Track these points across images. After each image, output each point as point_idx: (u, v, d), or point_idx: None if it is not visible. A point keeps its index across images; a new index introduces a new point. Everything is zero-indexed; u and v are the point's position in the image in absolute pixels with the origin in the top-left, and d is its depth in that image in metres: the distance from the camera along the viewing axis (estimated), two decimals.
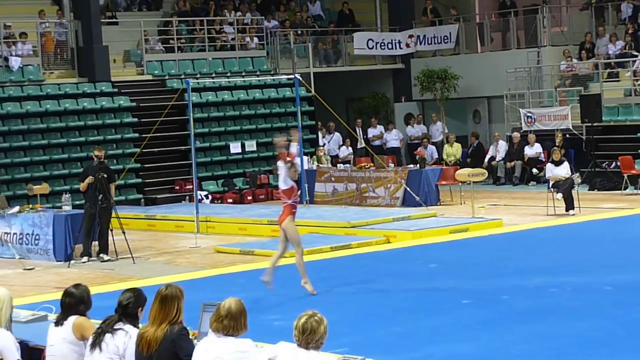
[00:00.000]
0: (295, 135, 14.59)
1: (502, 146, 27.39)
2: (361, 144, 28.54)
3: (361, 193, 23.48)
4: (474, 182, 21.42)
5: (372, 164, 24.30)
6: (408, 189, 22.35)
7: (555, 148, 21.92)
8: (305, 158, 24.42)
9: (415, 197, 21.90)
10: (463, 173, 21.70)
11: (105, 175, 17.26)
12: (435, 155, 28.29)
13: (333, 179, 24.03)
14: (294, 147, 13.21)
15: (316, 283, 14.02)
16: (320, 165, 25.31)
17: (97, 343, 7.07)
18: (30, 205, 19.08)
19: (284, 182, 13.06)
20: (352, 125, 29.06)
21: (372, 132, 29.88)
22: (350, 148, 28.74)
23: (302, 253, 13.16)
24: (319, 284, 13.92)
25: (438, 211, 20.88)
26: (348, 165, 25.62)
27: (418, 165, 23.48)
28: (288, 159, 13.00)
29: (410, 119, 30.69)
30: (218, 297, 7.06)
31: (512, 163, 26.76)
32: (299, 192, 13.09)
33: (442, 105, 29.94)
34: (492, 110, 30.51)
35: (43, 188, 20.90)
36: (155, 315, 6.84)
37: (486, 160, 27.44)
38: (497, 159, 27.31)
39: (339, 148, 29.01)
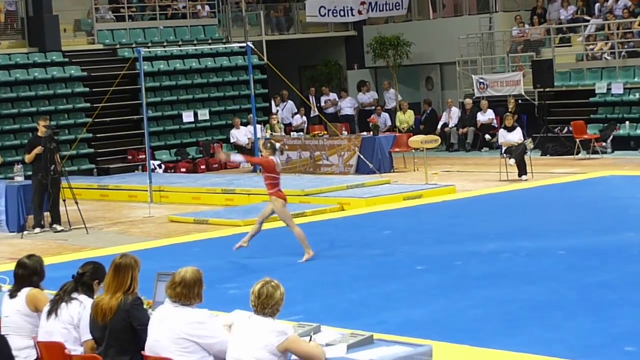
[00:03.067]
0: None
1: (455, 113, 27.51)
2: (314, 112, 28.51)
3: (315, 161, 23.48)
4: (427, 148, 21.50)
5: (325, 132, 24.29)
6: (362, 156, 22.39)
7: (507, 114, 22.04)
8: (258, 126, 24.34)
9: (369, 164, 21.94)
10: (416, 140, 21.76)
11: (55, 145, 17.10)
12: (389, 123, 28.35)
13: (287, 147, 23.96)
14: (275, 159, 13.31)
15: (272, 251, 14.04)
16: (274, 133, 25.24)
17: (53, 310, 7.06)
18: None
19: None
20: (305, 93, 29.01)
21: (324, 99, 29.85)
22: (304, 117, 28.69)
23: (301, 235, 13.28)
24: (275, 252, 13.94)
25: (391, 178, 20.94)
26: (301, 133, 25.58)
27: (371, 133, 23.51)
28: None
29: (362, 86, 30.70)
30: (173, 266, 7.05)
31: (465, 129, 26.89)
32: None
33: (394, 72, 29.97)
34: (445, 76, 30.60)
35: None
36: (109, 284, 6.82)
37: (439, 126, 27.55)
38: (449, 126, 27.42)
39: (292, 116, 28.96)
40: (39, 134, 17.32)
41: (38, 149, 17.06)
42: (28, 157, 17.37)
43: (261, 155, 13.52)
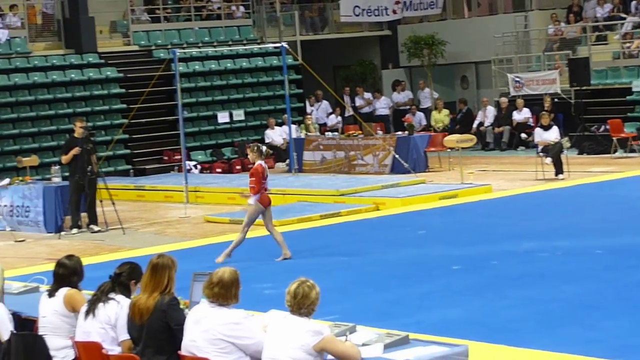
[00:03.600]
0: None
1: (491, 111, 27.39)
2: (349, 111, 28.51)
3: (350, 161, 23.47)
4: (462, 148, 21.42)
5: (360, 132, 24.27)
6: (397, 156, 22.35)
7: (543, 112, 21.91)
8: (293, 127, 24.38)
9: (404, 164, 21.90)
10: (451, 139, 21.69)
11: (92, 146, 17.22)
12: (424, 122, 28.28)
13: (321, 147, 23.99)
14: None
15: (307, 251, 14.05)
16: (309, 133, 25.26)
17: (90, 310, 7.10)
18: (20, 178, 19.02)
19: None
20: (339, 93, 29.01)
21: (359, 100, 29.82)
22: (339, 116, 28.69)
23: (242, 240, 13.47)
24: (309, 252, 13.95)
25: (427, 178, 20.88)
26: (336, 133, 25.57)
27: (406, 132, 23.46)
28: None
29: (397, 86, 30.64)
30: (209, 266, 7.06)
31: (501, 128, 26.76)
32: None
33: (429, 71, 29.89)
34: (480, 75, 30.47)
35: (32, 160, 20.86)
36: (146, 284, 6.86)
37: (474, 126, 27.44)
38: (485, 125, 27.30)
39: (327, 116, 28.96)
40: (76, 135, 17.42)
41: (75, 150, 17.17)
42: (65, 158, 17.48)
43: (249, 156, 13.59)
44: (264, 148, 13.96)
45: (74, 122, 18.35)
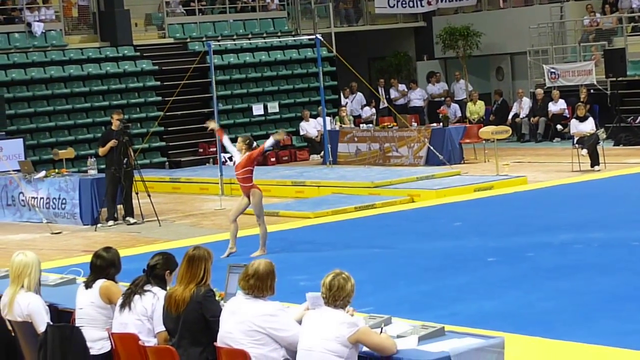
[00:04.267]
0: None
1: (526, 103, 27.23)
2: (384, 103, 28.44)
3: (384, 153, 23.43)
4: (497, 139, 21.32)
5: (395, 124, 24.22)
6: (431, 147, 22.29)
7: (579, 104, 21.76)
8: (327, 119, 24.38)
9: (439, 155, 21.84)
10: (487, 131, 21.60)
11: (128, 139, 17.30)
12: (459, 114, 28.16)
13: (356, 139, 23.98)
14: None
15: (341, 242, 14.06)
16: (343, 125, 25.25)
17: (126, 303, 7.14)
18: (56, 170, 19.17)
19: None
20: (374, 85, 28.95)
21: (394, 92, 29.75)
22: (373, 108, 28.63)
23: (236, 228, 13.50)
24: (344, 244, 13.95)
25: (462, 169, 20.82)
26: (371, 125, 25.54)
27: (441, 124, 23.39)
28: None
29: (432, 78, 30.53)
30: (244, 258, 7.07)
31: (536, 119, 26.61)
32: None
33: (464, 62, 29.76)
34: (515, 66, 30.29)
35: (68, 152, 21.00)
36: (182, 275, 6.89)
37: (510, 117, 27.30)
38: (520, 116, 27.16)
39: (361, 108, 28.92)
40: (113, 127, 17.52)
41: (112, 143, 17.28)
42: (102, 150, 17.60)
43: (239, 145, 13.64)
44: (255, 143, 13.96)
45: (111, 114, 18.47)
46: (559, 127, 26.05)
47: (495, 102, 28.45)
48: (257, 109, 27.12)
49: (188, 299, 6.76)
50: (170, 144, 25.96)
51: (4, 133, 22.57)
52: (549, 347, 8.44)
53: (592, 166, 20.17)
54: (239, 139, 13.69)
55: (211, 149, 25.32)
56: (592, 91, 25.80)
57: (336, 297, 6.18)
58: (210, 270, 6.90)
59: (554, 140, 26.10)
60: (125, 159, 17.10)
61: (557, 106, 26.34)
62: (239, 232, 13.98)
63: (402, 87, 29.86)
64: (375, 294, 10.47)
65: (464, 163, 22.64)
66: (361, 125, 25.45)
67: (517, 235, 13.75)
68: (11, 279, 7.56)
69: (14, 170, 18.96)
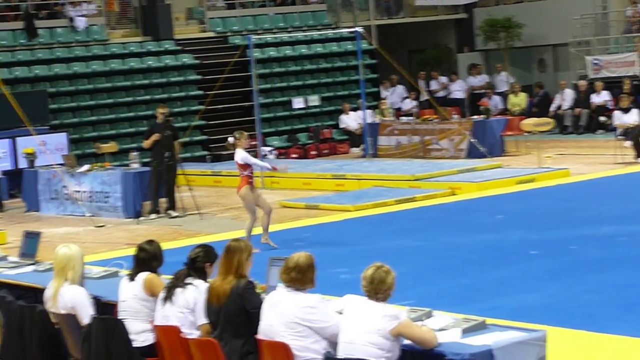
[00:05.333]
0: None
1: (569, 95, 27.02)
2: (424, 96, 28.35)
3: (425, 145, 23.37)
4: (540, 131, 21.20)
5: (435, 116, 24.15)
6: (473, 140, 22.20)
7: (623, 95, 21.57)
8: (368, 111, 24.35)
9: (480, 148, 21.74)
10: (529, 123, 21.47)
11: (171, 133, 17.39)
12: (500, 106, 27.99)
13: (396, 132, 23.93)
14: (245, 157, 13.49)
15: (381, 236, 14.05)
16: (384, 118, 25.21)
17: (168, 297, 7.18)
18: (99, 164, 19.31)
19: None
20: (414, 78, 28.85)
21: (435, 84, 29.65)
22: (414, 101, 28.56)
23: (254, 221, 13.51)
24: (384, 237, 13.94)
25: (504, 162, 20.71)
26: (411, 117, 25.48)
27: (482, 116, 23.28)
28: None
29: (473, 70, 30.38)
30: (285, 251, 7.10)
31: (579, 111, 26.41)
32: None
33: (506, 54, 29.59)
34: (558, 58, 30.07)
35: (111, 146, 21.16)
36: (221, 267, 6.93)
37: (552, 109, 27.10)
38: (563, 108, 26.96)
39: (402, 101, 28.86)
40: (158, 121, 17.63)
41: (155, 136, 17.38)
42: (146, 144, 17.74)
43: (238, 145, 13.58)
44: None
45: (156, 108, 18.62)
46: (602, 118, 25.83)
47: (537, 94, 28.25)
48: (298, 103, 27.16)
49: (228, 291, 6.80)
50: (211, 137, 26.05)
51: (47, 127, 22.80)
52: (592, 340, 8.39)
53: (635, 158, 19.99)
54: (238, 135, 13.67)
55: (252, 143, 25.27)
56: (635, 82, 25.55)
57: (377, 290, 6.19)
58: (244, 262, 6.92)
59: (597, 132, 25.88)
60: (168, 153, 17.20)
61: (600, 98, 26.12)
62: (279, 225, 13.97)
63: (443, 79, 29.75)
64: (415, 287, 10.45)
65: (505, 155, 22.52)
66: (402, 117, 25.40)
67: (560, 228, 13.66)
68: (55, 271, 7.64)
69: (57, 164, 19.15)
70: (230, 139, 14.12)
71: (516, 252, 12.25)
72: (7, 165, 20.95)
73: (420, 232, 14.20)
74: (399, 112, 27.56)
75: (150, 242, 7.74)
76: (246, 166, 13.49)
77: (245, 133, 13.81)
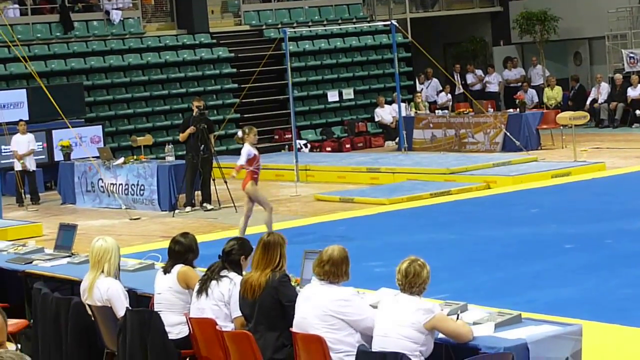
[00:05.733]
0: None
1: (604, 88, 26.81)
2: (459, 89, 28.24)
3: (460, 139, 23.28)
4: (575, 125, 21.05)
5: (470, 110, 24.04)
6: (508, 133, 22.08)
7: None
8: (403, 105, 24.29)
9: (516, 141, 21.62)
10: (564, 116, 21.33)
11: (206, 126, 17.43)
12: (536, 99, 27.82)
13: (431, 125, 23.86)
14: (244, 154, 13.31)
15: (416, 229, 14.02)
16: (418, 111, 25.14)
17: (203, 289, 7.20)
18: (135, 157, 19.39)
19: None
20: (450, 71, 28.75)
21: (470, 77, 29.51)
22: (449, 94, 28.46)
23: (271, 211, 13.44)
24: (419, 230, 13.92)
25: (539, 155, 20.61)
26: (446, 111, 25.38)
27: (518, 110, 23.15)
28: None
29: (508, 63, 30.21)
30: (319, 244, 7.09)
31: (615, 105, 26.19)
32: (260, 161, 13.58)
33: (541, 47, 29.40)
34: (594, 51, 29.84)
35: (146, 139, 21.23)
36: (258, 261, 6.93)
37: (588, 102, 26.91)
38: (599, 102, 26.75)
39: (437, 94, 28.76)
40: (194, 114, 17.66)
41: (191, 129, 17.43)
42: (182, 136, 17.82)
43: (246, 140, 13.42)
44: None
45: (191, 101, 18.67)
46: (638, 112, 25.61)
47: (572, 87, 28.06)
48: (332, 96, 27.14)
49: (264, 285, 6.81)
50: None
51: (83, 120, 22.93)
52: (628, 335, 8.33)
53: None
54: (247, 130, 13.57)
55: (287, 136, 25.40)
56: None
57: (412, 284, 6.17)
58: (285, 255, 6.94)
59: (633, 126, 25.67)
60: (203, 146, 17.25)
61: (636, 91, 25.89)
62: (314, 219, 13.93)
63: (478, 72, 29.59)
64: (450, 281, 10.42)
65: (541, 149, 22.39)
66: (437, 111, 25.31)
67: (595, 222, 13.57)
68: (91, 264, 7.69)
69: (93, 157, 19.25)
70: (239, 133, 14.05)
71: (551, 246, 12.18)
72: (43, 158, 21.07)
73: (455, 226, 14.15)
74: (434, 106, 27.47)
75: (185, 234, 7.76)
76: (251, 161, 13.33)
77: (255, 129, 13.64)
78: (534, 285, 10.30)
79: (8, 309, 8.56)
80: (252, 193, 13.38)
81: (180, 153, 19.81)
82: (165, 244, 7.93)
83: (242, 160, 13.36)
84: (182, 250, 7.59)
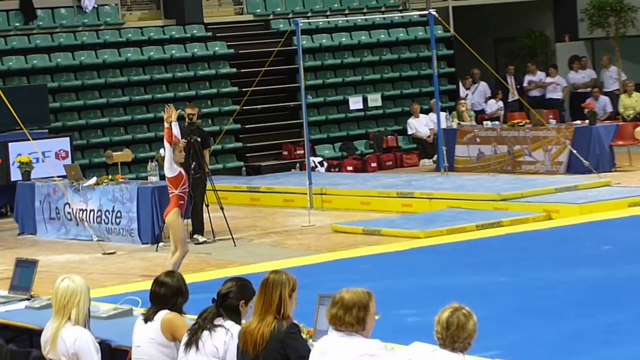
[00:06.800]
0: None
1: None
2: (514, 95, 28.26)
3: (514, 157, 23.29)
4: None
5: (527, 121, 24.06)
6: (574, 151, 22.08)
7: None
8: (442, 114, 24.31)
9: (584, 161, 21.62)
10: None
11: (198, 139, 17.46)
12: (609, 109, 27.83)
13: (478, 139, 23.87)
14: (175, 128, 13.33)
15: (459, 269, 13.99)
16: (462, 123, 25.16)
17: (192, 342, 7.19)
18: (110, 176, 19.44)
19: (169, 168, 13.27)
20: (501, 73, 28.78)
21: (526, 81, 29.53)
22: (500, 101, 28.47)
23: (184, 255, 13.28)
24: (462, 271, 13.89)
25: (613, 179, 20.59)
26: (497, 122, 25.39)
27: (587, 122, 23.15)
28: (173, 140, 13.27)
29: (575, 63, 30.23)
30: (337, 287, 7.08)
31: None
32: (187, 182, 13.50)
33: (616, 44, 29.42)
34: None
35: (124, 155, 21.31)
36: (257, 305, 6.92)
37: None
38: None
39: (485, 101, 28.80)
40: (185, 124, 17.65)
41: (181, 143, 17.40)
42: None
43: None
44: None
45: (184, 108, 18.70)
46: None
47: None
48: (355, 103, 27.13)
49: (267, 336, 6.80)
50: (248, 144, 26.16)
51: (46, 131, 23.00)
52: None
53: None
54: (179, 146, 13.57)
55: (298, 152, 25.45)
56: None
57: (455, 339, 6.15)
58: (288, 298, 6.92)
59: None
60: (194, 163, 17.27)
61: None
62: (331, 255, 13.93)
63: (538, 74, 29.59)
64: (501, 334, 10.39)
65: (615, 171, 22.38)
66: (485, 122, 25.33)
67: None
68: (55, 309, 7.68)
69: (58, 177, 19.30)
70: (162, 151, 14.00)
71: (628, 292, 12.15)
72: None
73: (507, 266, 14.13)
74: (481, 116, 27.51)
75: (171, 273, 7.77)
76: (176, 181, 13.27)
77: (180, 145, 13.53)
78: (607, 340, 10.26)
79: None
80: (173, 224, 13.26)
81: None
82: (146, 284, 7.95)
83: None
84: (168, 294, 7.60)
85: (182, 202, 13.34)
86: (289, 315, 6.94)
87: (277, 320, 6.86)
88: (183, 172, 13.43)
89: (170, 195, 13.40)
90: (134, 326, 7.71)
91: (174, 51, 26.40)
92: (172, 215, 13.22)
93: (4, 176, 21.29)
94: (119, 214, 18.33)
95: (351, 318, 6.48)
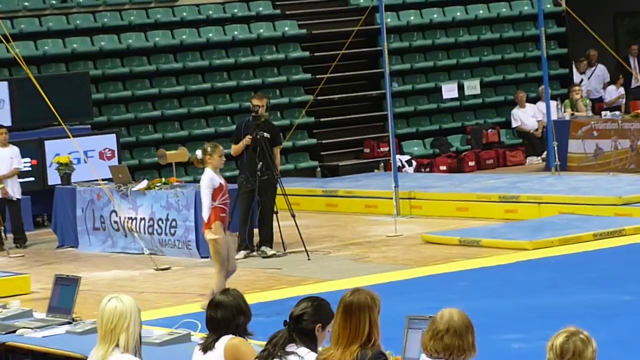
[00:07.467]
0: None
1: None
2: (637, 80, 28.04)
3: (638, 153, 23.12)
4: None
5: None
6: None
7: None
8: (553, 104, 24.18)
9: None
10: None
11: (267, 135, 17.47)
12: None
13: (595, 133, 23.72)
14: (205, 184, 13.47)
15: (573, 286, 13.91)
16: (577, 113, 25.01)
17: None
18: (163, 179, 19.52)
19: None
20: (623, 54, 28.55)
21: None
22: (621, 88, 28.26)
23: (226, 277, 13.50)
24: (577, 288, 13.82)
25: None
26: (618, 113, 25.21)
27: None
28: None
29: None
30: (429, 307, 7.10)
31: None
32: (227, 193, 13.67)
33: None
34: None
35: (180, 154, 21.36)
36: (339, 333, 6.93)
37: None
38: None
39: (603, 88, 28.59)
40: (251, 118, 17.66)
41: (246, 140, 17.45)
42: (234, 149, 17.84)
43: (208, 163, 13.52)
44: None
45: (250, 99, 18.75)
46: None
47: None
48: (449, 91, 27.10)
49: None
50: (323, 141, 26.16)
51: (89, 126, 23.13)
52: None
53: None
54: (206, 150, 13.69)
55: (382, 149, 25.43)
56: None
57: None
58: (378, 323, 6.93)
59: None
60: (261, 164, 17.28)
61: None
62: (421, 270, 13.87)
63: None
64: None
65: None
66: (603, 113, 25.16)
67: None
68: (101, 334, 7.74)
69: (103, 180, 19.43)
70: (198, 153, 13.98)
71: None
72: (31, 181, 21.25)
73: (630, 282, 14.04)
74: (599, 105, 27.31)
75: (226, 291, 7.75)
76: (216, 193, 13.39)
77: (221, 148, 13.72)
78: None
79: None
80: (212, 240, 13.41)
81: (229, 174, 19.93)
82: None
83: (203, 192, 13.39)
84: (227, 316, 7.60)
85: (223, 214, 13.47)
86: (377, 340, 6.95)
87: (361, 349, 6.88)
88: (224, 182, 13.53)
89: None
90: (192, 354, 7.75)
91: (236, 32, 26.47)
92: (214, 230, 13.36)
93: (40, 180, 21.46)
94: (173, 223, 18.40)
95: (463, 345, 6.48)
